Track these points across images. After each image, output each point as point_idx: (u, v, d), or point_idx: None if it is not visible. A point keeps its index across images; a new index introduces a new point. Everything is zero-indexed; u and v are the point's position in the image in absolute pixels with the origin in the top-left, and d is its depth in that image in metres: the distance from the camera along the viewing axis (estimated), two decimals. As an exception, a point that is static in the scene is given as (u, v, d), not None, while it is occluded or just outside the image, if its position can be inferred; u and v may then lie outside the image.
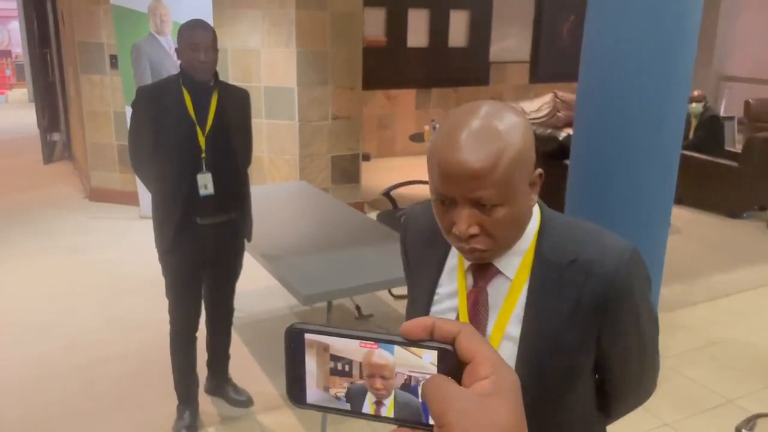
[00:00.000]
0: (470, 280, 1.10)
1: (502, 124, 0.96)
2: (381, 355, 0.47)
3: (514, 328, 1.06)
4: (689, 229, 5.85)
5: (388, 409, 0.48)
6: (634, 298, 1.06)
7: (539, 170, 1.03)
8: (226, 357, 3.11)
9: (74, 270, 4.65)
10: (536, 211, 1.09)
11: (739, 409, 3.12)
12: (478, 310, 1.09)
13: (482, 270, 1.09)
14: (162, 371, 3.04)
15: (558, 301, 1.04)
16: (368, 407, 0.48)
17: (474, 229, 0.98)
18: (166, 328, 2.84)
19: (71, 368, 3.39)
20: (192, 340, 2.86)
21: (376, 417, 0.48)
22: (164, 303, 2.81)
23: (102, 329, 3.80)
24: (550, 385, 1.07)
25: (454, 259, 1.13)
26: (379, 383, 0.47)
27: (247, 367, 3.38)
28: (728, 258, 5.20)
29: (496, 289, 1.08)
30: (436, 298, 1.14)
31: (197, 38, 2.50)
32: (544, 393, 1.07)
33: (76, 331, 3.77)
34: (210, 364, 3.11)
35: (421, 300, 1.16)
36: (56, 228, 5.50)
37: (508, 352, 1.06)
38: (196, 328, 2.85)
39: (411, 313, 1.22)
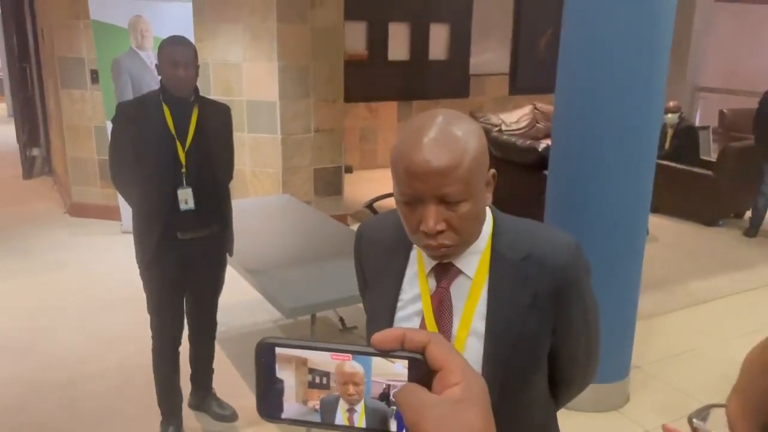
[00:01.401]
0: (432, 282, 1.17)
1: (459, 129, 1.05)
2: (352, 365, 0.48)
3: (479, 324, 1.13)
4: (666, 237, 5.94)
5: (359, 417, 0.49)
6: (581, 286, 1.17)
7: (493, 171, 1.12)
8: (209, 371, 3.10)
9: (54, 286, 4.61)
10: (489, 213, 1.17)
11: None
12: (442, 310, 1.15)
13: (444, 271, 1.15)
14: (145, 387, 3.02)
15: (517, 295, 1.13)
16: (341, 417, 0.49)
17: (441, 225, 1.05)
18: (149, 343, 2.83)
19: (52, 386, 3.36)
20: (175, 355, 2.85)
21: (349, 428, 0.49)
22: (146, 318, 2.80)
23: (83, 346, 3.76)
24: (515, 376, 1.14)
25: (414, 266, 1.19)
26: (351, 389, 0.48)
27: (231, 381, 3.37)
28: (705, 265, 5.29)
29: (457, 289, 1.15)
30: (399, 304, 1.20)
31: (177, 54, 2.52)
32: (509, 385, 1.13)
33: (56, 348, 3.74)
34: (193, 378, 3.10)
35: (384, 309, 1.21)
36: (36, 244, 5.45)
37: (475, 347, 1.13)
38: (178, 343, 2.85)
39: (374, 324, 1.26)
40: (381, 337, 0.49)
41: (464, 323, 1.14)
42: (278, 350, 0.50)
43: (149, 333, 2.82)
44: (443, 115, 1.07)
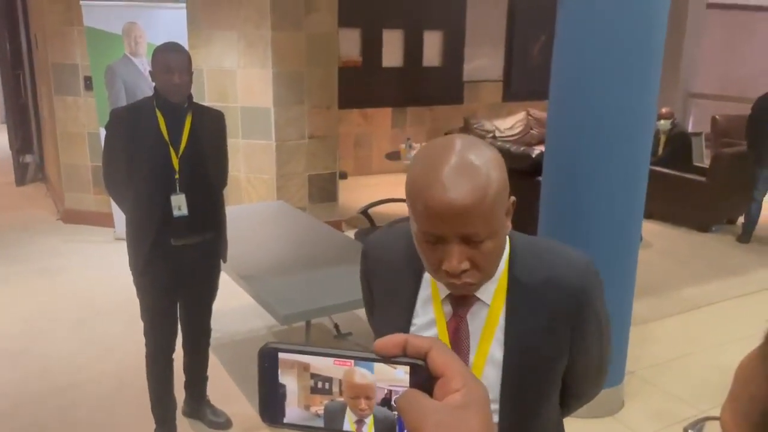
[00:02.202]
0: (448, 308, 1.12)
1: (479, 159, 0.98)
2: (362, 374, 0.48)
3: (497, 352, 1.10)
4: (660, 243, 5.96)
5: (369, 427, 0.49)
6: (597, 304, 1.14)
7: (513, 198, 1.07)
8: (203, 378, 3.08)
9: (48, 293, 4.59)
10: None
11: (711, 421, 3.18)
12: (459, 337, 1.11)
13: (461, 298, 1.11)
14: (138, 394, 3.01)
15: (535, 320, 1.10)
16: (348, 425, 0.49)
17: (465, 264, 1.00)
18: (143, 350, 2.82)
19: (46, 393, 3.34)
20: (168, 362, 2.84)
21: None
22: (140, 325, 2.79)
23: (77, 353, 3.74)
24: (534, 399, 1.12)
25: (427, 290, 1.15)
26: (363, 404, 0.48)
27: (225, 388, 3.35)
28: (698, 271, 5.31)
29: (474, 316, 1.12)
30: (412, 329, 1.16)
31: (171, 61, 2.52)
32: (527, 408, 1.12)
33: (50, 355, 3.72)
34: (187, 385, 3.08)
35: (395, 332, 1.17)
36: (29, 251, 5.42)
37: (493, 375, 1.10)
38: (172, 350, 2.83)
39: None
40: (383, 342, 0.49)
41: (481, 351, 1.10)
42: (281, 355, 0.50)
43: (143, 340, 2.80)
44: (460, 143, 0.99)
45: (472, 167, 0.96)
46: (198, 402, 3.09)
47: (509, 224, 1.07)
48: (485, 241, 0.99)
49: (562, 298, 1.10)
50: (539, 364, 1.11)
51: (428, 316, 1.14)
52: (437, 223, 0.97)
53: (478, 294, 1.10)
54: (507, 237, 1.11)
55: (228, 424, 3.04)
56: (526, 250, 1.13)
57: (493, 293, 1.11)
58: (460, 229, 0.97)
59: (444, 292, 1.12)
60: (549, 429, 1.21)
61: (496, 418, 1.11)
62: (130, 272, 2.72)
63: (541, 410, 1.15)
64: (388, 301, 1.21)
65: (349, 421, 0.49)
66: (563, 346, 1.12)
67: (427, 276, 1.15)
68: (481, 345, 1.10)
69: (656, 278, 4.95)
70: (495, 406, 1.11)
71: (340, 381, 0.49)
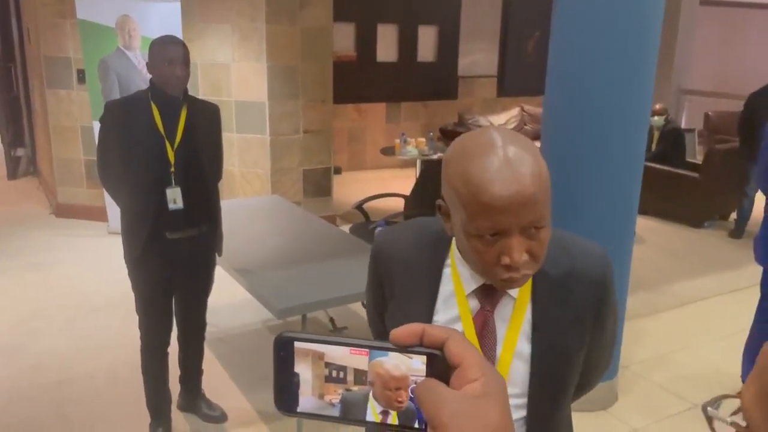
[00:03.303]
0: (474, 303, 1.11)
1: (525, 148, 0.97)
2: (397, 366, 0.48)
3: (524, 346, 1.10)
4: (653, 238, 5.99)
5: (393, 417, 0.49)
6: (614, 295, 1.16)
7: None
8: (198, 372, 3.08)
9: (41, 288, 4.57)
10: None
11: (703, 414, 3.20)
12: (486, 332, 1.10)
13: (490, 292, 1.10)
14: (133, 389, 3.00)
15: (561, 312, 1.10)
16: (372, 415, 0.49)
17: (526, 256, 0.98)
18: (137, 344, 2.81)
19: (39, 388, 3.33)
20: (163, 356, 2.83)
21: (382, 425, 0.49)
22: (134, 319, 2.78)
23: (70, 348, 3.73)
24: (559, 391, 1.13)
25: (449, 286, 1.13)
26: (404, 395, 0.48)
27: (220, 382, 3.35)
28: (691, 266, 5.34)
29: (500, 310, 1.10)
30: None
31: (172, 53, 2.51)
32: (553, 400, 1.12)
33: (43, 350, 3.70)
34: (182, 379, 3.08)
35: None
36: (22, 245, 5.39)
37: (521, 369, 1.09)
38: (167, 344, 2.83)
39: None
40: (400, 332, 0.49)
41: (508, 345, 1.09)
42: (297, 344, 0.50)
43: (137, 334, 2.80)
44: (499, 135, 0.97)
45: (522, 157, 0.95)
46: (193, 396, 3.09)
47: None
48: (541, 230, 0.99)
49: (587, 290, 1.11)
50: (566, 356, 1.11)
51: (451, 312, 1.12)
52: (501, 217, 0.95)
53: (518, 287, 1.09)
54: None
55: (223, 417, 3.04)
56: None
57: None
58: (523, 219, 0.96)
59: (470, 287, 1.10)
60: (567, 421, 1.22)
61: (523, 413, 1.11)
62: (124, 266, 2.71)
63: (565, 403, 1.16)
64: (405, 299, 1.17)
65: (372, 410, 0.49)
66: (585, 339, 1.13)
67: (447, 271, 1.13)
68: (508, 339, 1.09)
69: (649, 274, 4.98)
70: (523, 400, 1.11)
71: (354, 370, 0.49)
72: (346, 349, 0.49)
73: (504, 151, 0.95)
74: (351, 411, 0.49)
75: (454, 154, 1.01)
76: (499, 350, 1.09)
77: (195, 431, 3.02)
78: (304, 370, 0.50)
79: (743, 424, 0.57)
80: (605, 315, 1.15)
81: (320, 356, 0.49)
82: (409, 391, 0.48)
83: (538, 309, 1.09)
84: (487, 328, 1.10)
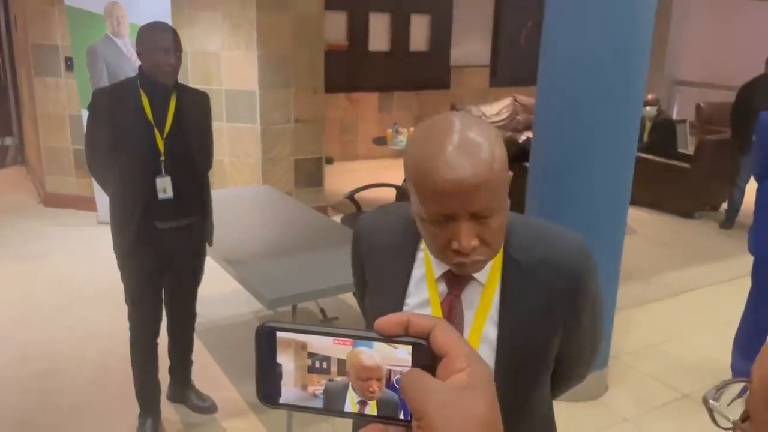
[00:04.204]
0: (442, 287, 1.12)
1: (481, 135, 0.98)
2: (370, 356, 0.47)
3: (491, 331, 1.10)
4: (644, 229, 6.01)
5: (371, 407, 0.47)
6: (592, 287, 1.14)
7: (510, 173, 1.07)
8: (188, 363, 3.06)
9: (29, 278, 4.53)
10: None
11: (694, 404, 3.22)
12: (453, 317, 1.11)
13: (456, 277, 1.10)
14: (122, 379, 2.98)
15: (530, 300, 1.09)
16: (350, 406, 0.48)
17: (475, 242, 0.99)
18: (126, 335, 2.79)
19: (27, 379, 3.30)
20: (153, 347, 2.81)
21: (360, 415, 0.48)
22: (123, 310, 2.76)
23: (59, 338, 3.70)
24: (527, 380, 1.12)
25: (421, 269, 1.14)
26: (375, 385, 0.47)
27: (210, 372, 3.34)
28: (682, 257, 5.36)
29: (468, 295, 1.11)
30: (405, 308, 1.15)
31: (165, 41, 2.47)
32: (520, 389, 1.11)
33: (31, 340, 3.67)
34: (172, 370, 3.06)
35: (388, 312, 1.16)
36: (9, 235, 5.34)
37: (486, 355, 1.09)
38: (157, 334, 2.81)
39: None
40: (385, 321, 0.47)
41: (475, 331, 1.10)
42: (279, 335, 0.49)
43: (126, 324, 2.77)
44: (459, 121, 0.99)
45: (476, 144, 0.96)
46: (183, 386, 3.07)
47: (509, 200, 1.07)
48: (493, 217, 0.99)
49: (558, 279, 1.09)
50: (533, 344, 1.10)
51: (422, 296, 1.14)
52: (447, 202, 0.96)
53: (474, 273, 1.10)
54: None
55: (213, 408, 3.02)
56: (521, 229, 1.13)
57: (488, 272, 1.10)
58: (470, 206, 0.97)
59: (439, 271, 1.11)
60: (541, 409, 1.21)
61: None
62: (113, 256, 2.68)
63: (534, 390, 1.15)
64: (381, 281, 1.20)
65: (351, 401, 0.48)
66: (557, 328, 1.12)
67: (421, 255, 1.15)
68: (476, 324, 1.10)
69: (640, 264, 5.00)
70: None
71: (338, 360, 0.48)
72: (329, 339, 0.48)
73: (458, 136, 0.96)
74: (332, 402, 0.48)
75: (413, 138, 1.03)
76: (466, 335, 1.10)
77: (185, 422, 3.00)
78: (286, 360, 0.48)
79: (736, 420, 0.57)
80: (580, 308, 1.13)
81: (303, 346, 0.48)
82: (394, 381, 0.47)
83: (506, 296, 1.10)
84: (454, 312, 1.11)
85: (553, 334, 1.12)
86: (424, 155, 0.97)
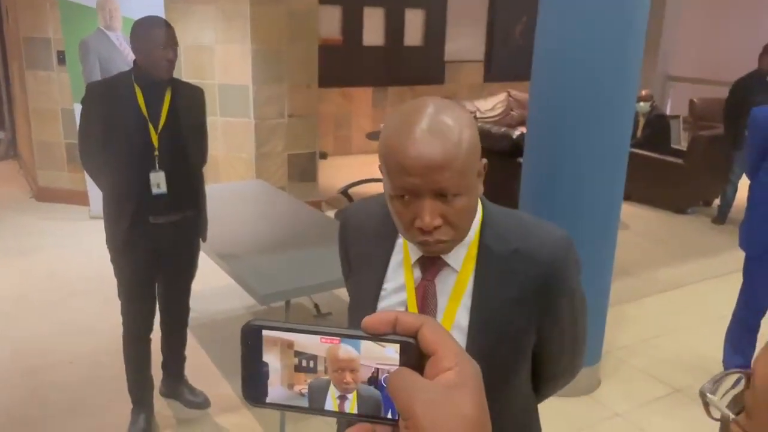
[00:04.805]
0: (417, 273, 1.14)
1: (452, 119, 1.00)
2: (346, 349, 0.47)
3: (463, 318, 1.11)
4: (637, 224, 6.02)
5: (351, 405, 0.47)
6: (570, 281, 1.14)
7: (484, 160, 1.08)
8: (181, 358, 3.06)
9: (21, 273, 4.50)
10: (478, 203, 1.14)
11: (686, 398, 3.24)
12: (426, 302, 1.12)
13: (430, 263, 1.12)
14: (114, 375, 2.97)
15: (503, 290, 1.10)
16: (331, 403, 0.47)
17: (438, 221, 1.01)
18: (118, 330, 2.78)
19: (18, 374, 3.29)
20: (146, 342, 2.80)
21: (340, 413, 0.47)
22: (116, 305, 2.75)
23: (51, 334, 3.69)
24: (498, 370, 1.12)
25: (400, 255, 1.17)
26: (348, 377, 0.47)
27: (203, 368, 3.33)
28: (675, 252, 5.38)
29: (443, 281, 1.13)
30: (382, 293, 1.17)
31: (162, 36, 2.46)
32: (491, 379, 1.10)
33: (23, 336, 3.65)
34: (165, 365, 3.06)
35: (366, 297, 1.18)
36: (1, 230, 5.30)
37: (458, 341, 1.09)
38: (150, 330, 2.80)
39: (356, 312, 1.24)
40: (372, 320, 0.47)
41: (448, 316, 1.11)
42: (265, 333, 0.48)
43: (119, 319, 2.76)
44: (433, 104, 1.02)
45: (444, 125, 0.99)
46: (176, 382, 3.06)
47: (481, 187, 1.09)
48: (457, 197, 1.01)
49: (532, 270, 1.09)
50: (505, 333, 1.11)
51: (399, 281, 1.15)
52: (409, 178, 0.99)
53: (448, 259, 1.11)
54: (479, 201, 1.13)
55: (206, 403, 3.02)
56: (499, 219, 1.14)
57: (463, 259, 1.11)
58: (432, 184, 0.99)
59: (415, 256, 1.13)
60: (518, 403, 1.21)
61: None
62: (105, 251, 2.67)
63: (507, 382, 1.15)
64: (362, 266, 1.22)
65: (332, 397, 0.47)
66: (531, 321, 1.12)
67: (400, 241, 1.17)
68: (448, 310, 1.11)
69: (633, 259, 5.01)
70: None
71: (325, 359, 0.47)
72: (316, 338, 0.47)
73: (429, 117, 0.99)
74: (315, 399, 0.48)
75: (388, 117, 1.06)
76: (439, 320, 1.11)
77: (178, 417, 3.00)
78: (273, 359, 0.48)
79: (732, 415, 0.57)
80: (557, 302, 1.12)
81: (290, 345, 0.48)
82: (382, 380, 0.46)
83: (479, 284, 1.11)
84: (427, 297, 1.13)
85: (526, 324, 1.12)
86: (395, 133, 1.01)
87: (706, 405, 0.60)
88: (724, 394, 0.60)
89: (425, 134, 0.98)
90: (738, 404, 0.57)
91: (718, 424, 0.60)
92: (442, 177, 0.98)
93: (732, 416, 0.57)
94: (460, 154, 0.99)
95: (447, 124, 0.99)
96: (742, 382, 0.58)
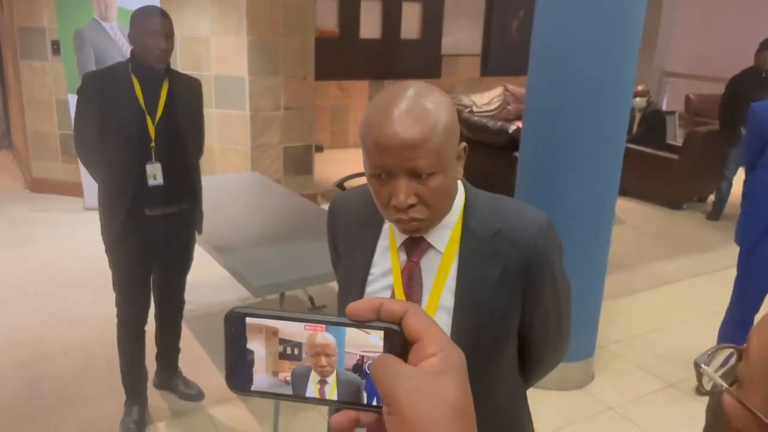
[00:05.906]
0: (403, 256, 1.17)
1: (430, 102, 1.03)
2: (323, 335, 0.47)
3: (448, 299, 1.14)
4: (632, 219, 6.04)
5: (331, 390, 0.47)
6: (552, 263, 1.17)
7: (464, 144, 1.11)
8: (175, 350, 3.05)
9: (14, 264, 4.48)
10: (461, 187, 1.17)
11: (679, 393, 3.26)
12: (412, 284, 1.15)
13: (415, 245, 1.15)
14: (108, 366, 2.97)
15: (486, 270, 1.13)
16: (313, 390, 0.47)
17: (412, 199, 1.04)
18: (112, 322, 2.77)
19: (11, 366, 3.28)
20: (140, 334, 2.80)
21: (323, 400, 0.47)
22: (110, 297, 2.74)
23: (44, 325, 3.67)
24: (483, 351, 1.14)
25: (386, 240, 1.19)
26: (323, 360, 0.47)
27: (197, 360, 3.33)
28: (669, 247, 5.40)
29: (428, 263, 1.15)
30: (370, 278, 1.19)
31: (158, 25, 2.44)
32: (476, 360, 1.12)
33: (16, 327, 3.64)
34: (159, 357, 3.05)
35: (354, 282, 1.20)
36: (-5, 220, 5.29)
37: (443, 322, 1.13)
38: (144, 321, 2.79)
39: (344, 297, 1.26)
40: (356, 307, 0.47)
41: (433, 297, 1.14)
42: (249, 320, 0.48)
43: (113, 311, 2.75)
44: (413, 87, 1.05)
45: (421, 107, 1.02)
46: (170, 374, 3.06)
47: (461, 170, 1.12)
48: (432, 176, 1.04)
49: (514, 252, 1.12)
50: (488, 313, 1.13)
51: (385, 265, 1.18)
52: (385, 156, 1.02)
53: (432, 241, 1.14)
54: (461, 185, 1.16)
55: (200, 395, 3.02)
56: (483, 203, 1.17)
57: (447, 242, 1.14)
58: (407, 162, 1.02)
59: (400, 239, 1.16)
60: (503, 391, 1.22)
61: None
62: (100, 242, 2.66)
63: (492, 363, 1.17)
64: (349, 252, 1.25)
65: (313, 383, 0.47)
66: (514, 302, 1.15)
67: (386, 227, 1.19)
68: (433, 292, 1.14)
69: (627, 254, 5.03)
70: None
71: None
72: (300, 325, 0.47)
73: (407, 100, 1.03)
74: (298, 387, 0.48)
75: (371, 101, 1.09)
76: (425, 302, 1.14)
77: (172, 409, 3.00)
78: (257, 346, 0.48)
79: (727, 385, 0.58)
80: (540, 282, 1.15)
81: (274, 332, 0.47)
82: (366, 367, 0.46)
83: (463, 265, 1.13)
84: (413, 279, 1.15)
85: (509, 307, 1.15)
86: (374, 113, 1.04)
87: (700, 375, 0.61)
88: (716, 370, 0.61)
89: (402, 114, 1.01)
90: (729, 377, 0.58)
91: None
92: (415, 156, 1.01)
93: (725, 386, 0.57)
94: (434, 135, 1.01)
95: (425, 106, 1.02)
96: (734, 358, 0.59)
